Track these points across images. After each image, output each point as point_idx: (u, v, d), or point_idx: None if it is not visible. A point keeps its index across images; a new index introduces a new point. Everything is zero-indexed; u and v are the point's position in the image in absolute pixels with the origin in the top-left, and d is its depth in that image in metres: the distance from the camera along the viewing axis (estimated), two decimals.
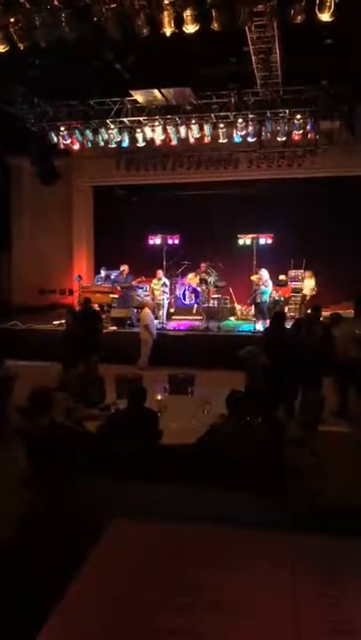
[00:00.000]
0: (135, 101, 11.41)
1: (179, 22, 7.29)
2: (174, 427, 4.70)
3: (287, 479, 3.23)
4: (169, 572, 1.06)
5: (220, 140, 12.15)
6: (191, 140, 12.14)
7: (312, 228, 13.34)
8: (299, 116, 11.30)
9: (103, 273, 13.48)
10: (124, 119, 12.09)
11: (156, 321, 11.00)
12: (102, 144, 12.55)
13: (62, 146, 12.72)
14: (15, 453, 2.84)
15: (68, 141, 12.56)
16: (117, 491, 1.68)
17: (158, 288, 12.16)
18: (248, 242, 13.26)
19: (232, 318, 13.05)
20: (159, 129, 11.98)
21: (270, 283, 11.72)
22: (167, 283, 12.32)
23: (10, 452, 2.87)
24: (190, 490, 1.94)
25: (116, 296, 12.37)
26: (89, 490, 1.67)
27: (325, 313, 8.74)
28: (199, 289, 12.87)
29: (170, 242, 13.78)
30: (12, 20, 7.55)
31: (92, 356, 6.43)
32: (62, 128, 12.36)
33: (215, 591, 1.01)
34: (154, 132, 12.07)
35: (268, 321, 11.24)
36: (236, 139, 12.00)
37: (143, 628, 0.93)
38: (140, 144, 12.42)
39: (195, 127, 11.81)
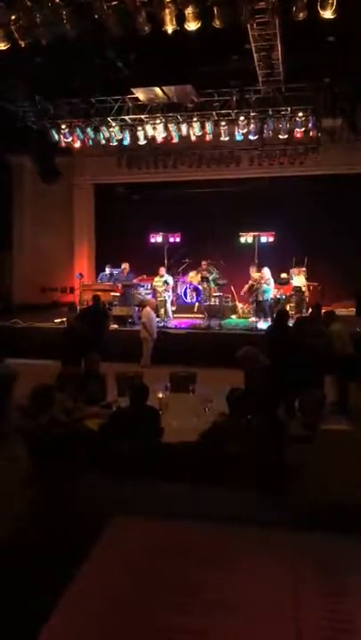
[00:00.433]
0: (136, 99, 11.40)
1: (180, 20, 7.27)
2: (176, 425, 4.70)
3: (288, 477, 3.22)
4: (170, 570, 1.06)
5: (222, 138, 12.13)
6: (193, 138, 12.13)
7: (314, 225, 13.31)
8: (301, 114, 11.28)
9: (108, 271, 13.45)
10: (126, 117, 12.08)
11: (157, 319, 10.99)
12: (103, 142, 12.54)
13: (63, 144, 12.71)
14: (16, 452, 2.84)
15: (70, 139, 12.55)
16: (118, 489, 1.68)
17: (160, 285, 12.16)
18: (250, 240, 13.25)
19: (233, 316, 13.04)
20: (160, 127, 11.96)
21: (272, 281, 11.71)
22: (169, 280, 12.30)
23: (10, 450, 2.87)
24: (191, 488, 1.94)
25: (118, 294, 12.37)
26: (90, 488, 1.67)
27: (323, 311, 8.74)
28: (200, 287, 12.86)
29: (171, 240, 13.78)
30: (13, 17, 7.54)
31: (93, 354, 6.42)
32: (63, 126, 12.35)
33: (216, 589, 1.00)
34: (155, 130, 12.05)
35: (269, 319, 11.25)
36: (238, 136, 11.98)
37: (144, 627, 0.92)
38: (142, 142, 12.41)
39: (196, 125, 11.80)
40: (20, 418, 4.13)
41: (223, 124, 11.82)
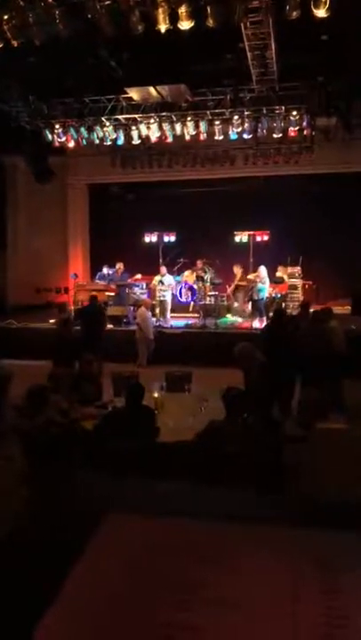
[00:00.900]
0: (130, 99, 11.38)
1: (174, 19, 7.27)
2: (172, 424, 4.70)
3: (285, 476, 3.22)
4: (166, 567, 1.05)
5: (216, 137, 12.13)
6: (187, 138, 12.12)
7: (308, 224, 13.34)
8: (295, 113, 11.29)
9: (106, 271, 13.42)
10: (119, 116, 12.06)
11: (153, 319, 10.98)
12: (97, 142, 12.50)
13: (57, 144, 12.67)
14: (11, 452, 2.83)
15: (63, 139, 12.51)
16: (115, 488, 1.67)
17: (156, 285, 12.17)
18: (244, 239, 13.26)
19: (229, 315, 13.05)
20: (154, 126, 11.95)
21: (268, 280, 11.74)
22: (164, 281, 12.28)
23: (6, 450, 2.85)
24: (188, 487, 1.92)
25: (112, 294, 12.36)
26: (86, 488, 1.66)
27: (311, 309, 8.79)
28: (196, 286, 12.87)
29: (166, 239, 13.77)
30: (5, 17, 7.51)
31: (88, 354, 6.41)
32: (57, 126, 12.31)
33: (214, 587, 0.99)
34: (149, 130, 12.04)
35: (264, 318, 11.28)
36: (232, 135, 11.98)
37: (140, 624, 0.92)
38: (136, 141, 12.39)
39: (190, 124, 11.79)
40: (15, 418, 4.12)
41: (217, 123, 11.82)
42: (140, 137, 12.25)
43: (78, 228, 15.63)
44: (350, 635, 0.90)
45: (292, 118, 11.36)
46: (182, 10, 7.14)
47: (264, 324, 10.76)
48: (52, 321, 11.58)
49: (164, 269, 12.35)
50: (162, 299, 12.02)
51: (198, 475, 3.26)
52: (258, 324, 11.20)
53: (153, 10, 7.27)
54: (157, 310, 11.97)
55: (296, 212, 13.43)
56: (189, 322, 12.17)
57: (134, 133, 12.19)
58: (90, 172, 15.00)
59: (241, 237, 13.40)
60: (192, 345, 10.52)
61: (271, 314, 10.88)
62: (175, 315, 12.79)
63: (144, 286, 13.03)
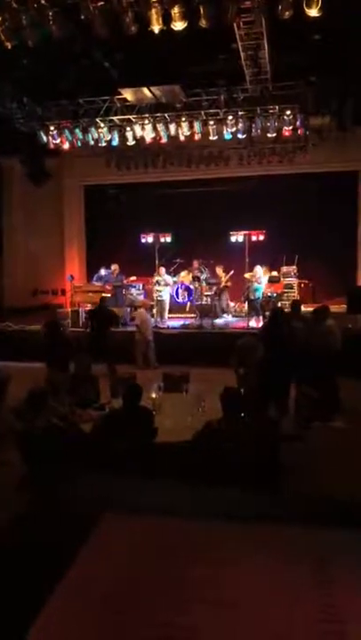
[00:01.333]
0: (125, 100, 11.37)
1: (167, 19, 7.27)
2: (169, 424, 4.71)
3: (282, 475, 3.24)
4: (163, 567, 1.06)
5: (211, 138, 12.13)
6: (181, 138, 12.12)
7: (304, 223, 13.37)
8: (288, 112, 11.30)
9: (103, 272, 13.38)
10: (114, 118, 12.05)
11: (152, 320, 10.97)
12: (92, 143, 12.49)
13: (52, 145, 12.66)
14: (10, 455, 2.84)
15: (58, 141, 12.50)
16: (113, 489, 1.68)
17: (154, 285, 12.19)
18: (240, 239, 13.27)
19: (225, 315, 13.06)
20: (149, 127, 11.95)
21: (264, 279, 11.75)
22: (161, 281, 12.27)
23: (5, 453, 2.86)
24: (186, 487, 1.94)
25: (109, 295, 12.35)
26: (85, 490, 1.67)
27: (309, 308, 8.84)
28: (192, 287, 12.88)
29: (162, 240, 13.77)
30: None
31: (84, 356, 6.41)
32: (52, 127, 12.29)
33: (211, 586, 1.01)
34: (144, 131, 12.04)
35: (260, 317, 11.30)
36: (227, 136, 11.98)
37: (138, 624, 0.93)
38: (131, 142, 12.39)
39: (185, 125, 11.79)
40: (14, 421, 4.12)
41: (211, 123, 11.83)
42: (134, 138, 12.25)
43: (74, 230, 15.62)
44: (346, 631, 0.91)
45: (285, 118, 11.38)
46: (175, 11, 7.15)
47: (260, 323, 10.79)
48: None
49: (162, 270, 12.36)
50: (160, 299, 12.02)
51: (196, 475, 3.28)
52: (254, 323, 11.23)
53: (146, 11, 7.27)
54: (155, 310, 11.98)
55: (291, 211, 13.45)
56: (186, 322, 12.18)
57: (129, 134, 12.19)
58: (85, 174, 14.98)
59: (237, 237, 13.40)
60: (189, 345, 10.52)
61: (268, 313, 10.93)
62: (172, 315, 12.80)
63: (141, 287, 13.03)
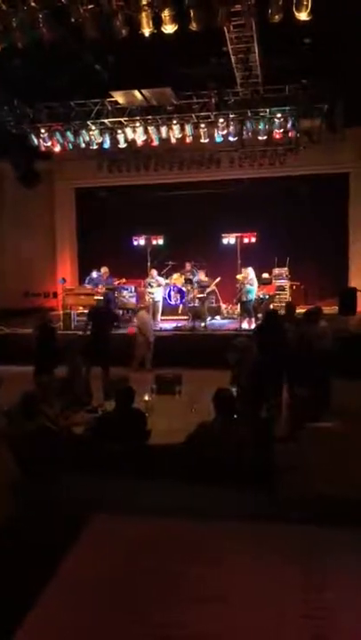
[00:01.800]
0: (116, 102, 11.37)
1: (157, 23, 7.28)
2: (162, 426, 4.70)
3: (275, 476, 3.24)
4: (152, 566, 1.06)
5: (202, 140, 12.15)
6: (173, 141, 12.13)
7: (295, 225, 13.44)
8: (279, 115, 11.36)
9: (95, 275, 13.34)
10: (105, 120, 12.04)
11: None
12: (83, 146, 12.47)
13: (43, 148, 12.62)
14: (2, 458, 2.82)
15: (49, 143, 12.47)
16: (106, 492, 1.68)
17: (147, 288, 12.18)
18: (232, 241, 13.31)
19: (218, 317, 13.08)
20: (140, 130, 11.96)
21: (256, 281, 11.78)
22: (153, 283, 12.27)
23: None
24: (180, 488, 1.94)
25: (101, 298, 12.33)
26: (77, 492, 1.67)
27: (300, 310, 8.87)
28: (184, 289, 12.88)
29: (154, 242, 13.78)
30: None
31: (77, 358, 6.39)
32: (42, 130, 12.26)
33: (203, 585, 1.01)
34: (135, 133, 12.05)
35: (253, 319, 11.33)
36: (218, 138, 12.02)
37: (128, 622, 0.93)
38: (122, 145, 12.38)
39: (176, 127, 11.80)
40: (5, 424, 4.10)
41: (203, 126, 11.85)
42: (126, 140, 12.25)
43: (66, 233, 15.59)
44: (336, 628, 0.92)
45: (276, 120, 11.44)
46: (166, 14, 7.15)
47: (253, 325, 10.81)
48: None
49: (154, 272, 12.36)
50: (152, 301, 12.01)
51: (189, 476, 3.27)
52: (247, 325, 11.25)
53: (136, 14, 7.27)
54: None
55: (282, 213, 13.51)
56: (178, 324, 12.18)
57: (120, 137, 12.19)
58: (77, 176, 14.97)
59: (228, 239, 13.45)
60: (181, 347, 10.52)
61: (260, 315, 10.96)
62: (164, 317, 12.80)
63: (133, 290, 13.02)
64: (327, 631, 0.92)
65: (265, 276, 12.78)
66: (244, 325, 11.27)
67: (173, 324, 12.21)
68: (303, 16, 6.95)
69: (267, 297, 12.30)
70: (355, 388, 7.34)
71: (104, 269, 12.63)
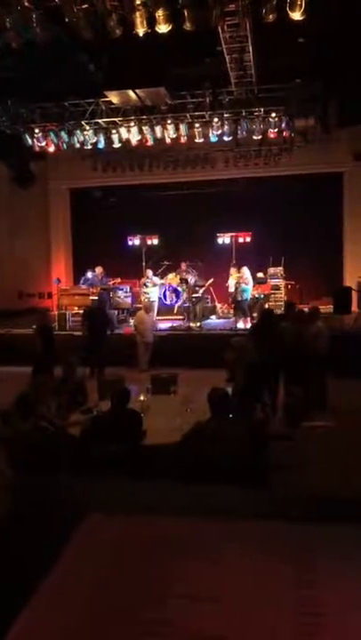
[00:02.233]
0: (110, 102, 11.35)
1: (151, 22, 7.28)
2: (158, 426, 4.70)
3: (271, 474, 3.25)
4: (144, 564, 1.06)
5: (197, 140, 12.17)
6: (167, 141, 12.13)
7: (290, 225, 13.46)
8: (274, 115, 11.37)
9: (89, 275, 13.32)
10: (100, 120, 12.03)
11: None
12: (78, 146, 12.46)
13: (37, 148, 12.60)
14: None
15: (43, 143, 12.44)
16: (102, 492, 1.67)
17: (142, 288, 12.16)
18: (227, 240, 13.32)
19: (213, 317, 13.09)
20: (135, 129, 11.95)
21: (251, 280, 11.79)
22: (148, 282, 12.26)
23: None
24: (175, 488, 1.94)
25: (96, 298, 12.31)
26: (73, 492, 1.66)
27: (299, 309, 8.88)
28: (180, 289, 12.88)
29: (149, 242, 13.77)
30: None
31: (72, 359, 6.38)
32: (37, 130, 12.23)
33: (194, 583, 1.01)
34: (129, 133, 12.03)
35: (248, 319, 11.34)
36: (212, 138, 12.03)
37: (118, 622, 0.92)
38: (116, 145, 12.37)
39: (170, 127, 11.80)
40: (1, 424, 4.09)
41: (197, 125, 11.86)
42: (120, 140, 12.24)
43: (60, 233, 15.57)
44: (327, 625, 0.92)
45: (271, 120, 11.45)
46: (159, 13, 7.14)
47: (248, 324, 10.83)
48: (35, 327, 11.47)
49: (149, 272, 12.35)
50: (148, 301, 11.98)
51: (185, 476, 3.28)
52: (242, 324, 11.26)
53: (130, 13, 7.27)
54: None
55: (277, 212, 13.54)
56: (174, 324, 12.18)
57: (115, 137, 12.18)
58: (71, 176, 14.94)
59: (224, 239, 13.47)
60: (177, 347, 10.51)
61: (255, 314, 10.97)
62: (160, 317, 12.80)
63: (128, 290, 13.01)
64: (323, 630, 0.92)
65: (260, 275, 12.80)
66: (240, 325, 11.28)
67: (169, 324, 12.20)
68: (297, 16, 6.96)
69: (262, 296, 12.32)
70: (349, 387, 7.38)
71: (99, 269, 12.63)
